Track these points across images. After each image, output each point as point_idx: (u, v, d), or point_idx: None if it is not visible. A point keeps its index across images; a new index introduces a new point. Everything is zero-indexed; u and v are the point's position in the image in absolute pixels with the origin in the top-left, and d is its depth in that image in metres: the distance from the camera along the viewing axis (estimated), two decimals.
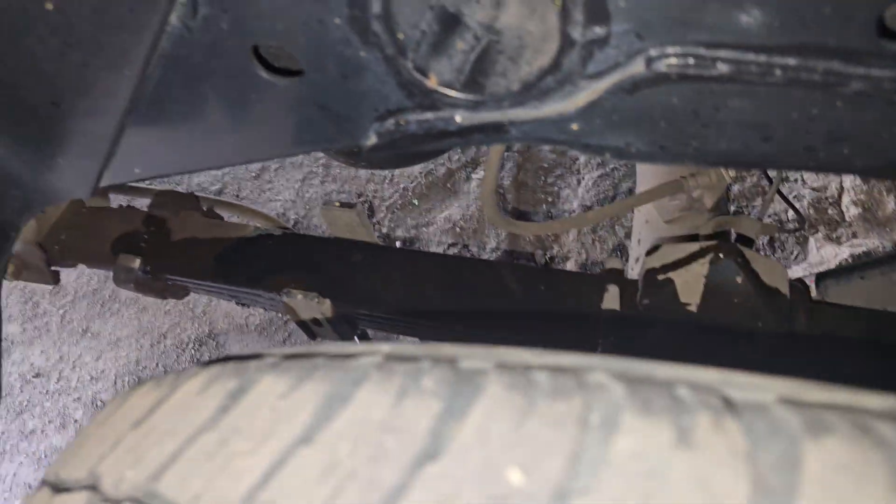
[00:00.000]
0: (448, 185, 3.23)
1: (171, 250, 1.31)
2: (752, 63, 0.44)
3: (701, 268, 0.88)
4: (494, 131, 0.60)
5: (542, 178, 3.19)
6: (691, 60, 0.46)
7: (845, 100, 0.45)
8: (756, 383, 0.34)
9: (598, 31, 0.47)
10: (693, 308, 0.86)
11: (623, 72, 0.49)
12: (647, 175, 1.61)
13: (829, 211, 2.92)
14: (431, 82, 0.56)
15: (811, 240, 2.84)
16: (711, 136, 0.51)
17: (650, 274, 0.93)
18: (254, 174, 3.56)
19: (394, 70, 0.56)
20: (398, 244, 3.09)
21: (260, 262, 1.26)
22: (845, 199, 2.91)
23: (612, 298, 0.98)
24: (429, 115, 0.61)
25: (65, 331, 2.91)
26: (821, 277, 1.17)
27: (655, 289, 0.90)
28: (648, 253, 0.95)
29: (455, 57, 0.56)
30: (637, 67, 0.48)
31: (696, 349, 0.85)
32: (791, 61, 0.43)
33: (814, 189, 2.97)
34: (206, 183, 3.58)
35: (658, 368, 0.35)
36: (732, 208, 2.92)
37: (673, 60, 0.47)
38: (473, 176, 3.24)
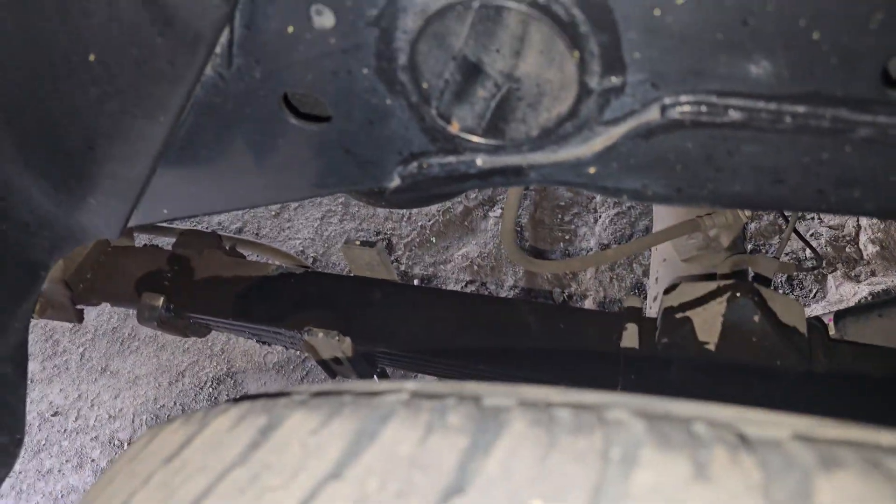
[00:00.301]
0: (465, 223, 3.26)
1: (194, 289, 1.33)
2: (763, 110, 0.46)
3: (719, 306, 0.89)
4: (514, 174, 0.62)
5: (559, 216, 3.21)
6: (704, 108, 0.48)
7: (853, 146, 0.46)
8: (771, 420, 0.35)
9: (615, 80, 0.49)
10: (711, 347, 0.87)
11: (639, 118, 0.51)
12: (664, 214, 1.63)
13: (847, 249, 2.91)
14: (454, 128, 0.58)
15: (830, 278, 2.83)
16: (725, 179, 0.52)
17: (668, 312, 0.93)
18: (273, 213, 3.61)
19: (418, 116, 0.59)
20: (416, 282, 3.10)
21: (281, 300, 1.28)
22: (863, 238, 2.90)
23: (631, 337, 0.99)
24: (451, 159, 0.63)
25: (84, 369, 2.94)
26: (839, 316, 1.18)
27: (674, 327, 0.91)
28: (666, 292, 0.96)
29: (477, 104, 0.58)
30: (652, 115, 0.50)
31: (715, 388, 0.86)
32: (800, 109, 0.45)
33: (831, 227, 2.97)
34: (227, 222, 3.64)
35: (676, 406, 0.36)
36: (749, 247, 2.92)
37: (687, 108, 0.49)
38: (490, 214, 3.27)
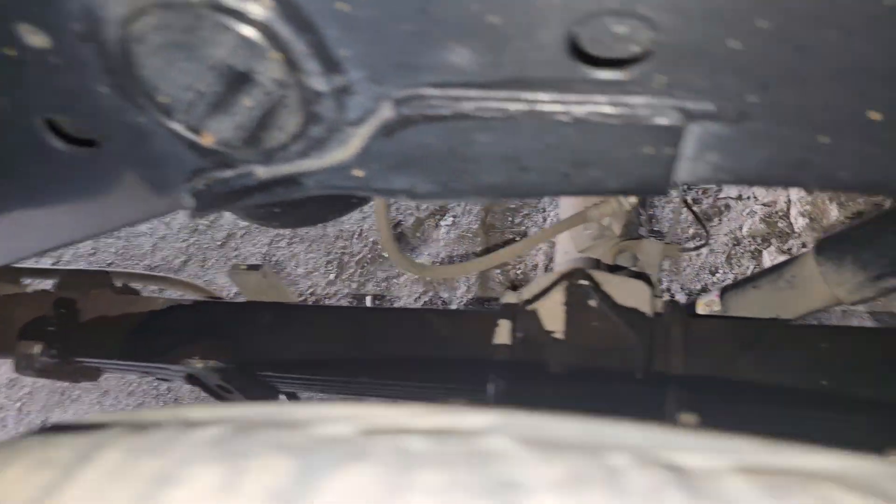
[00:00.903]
0: (417, 234, 3.25)
1: (79, 332, 1.29)
2: (476, 99, 0.45)
3: (558, 296, 0.89)
4: (292, 183, 0.60)
5: (510, 218, 3.22)
6: (425, 101, 0.46)
7: (571, 127, 0.45)
8: (342, 414, 0.33)
9: (338, 80, 0.48)
10: (560, 335, 0.87)
11: (377, 117, 0.49)
12: (566, 207, 1.63)
13: (780, 224, 2.95)
14: (206, 140, 0.55)
15: (765, 253, 2.87)
16: (476, 170, 0.51)
17: (523, 306, 0.93)
18: (219, 242, 3.57)
19: (175, 132, 0.56)
20: (369, 298, 3.09)
21: (168, 334, 1.25)
22: (793, 212, 2.95)
23: (503, 334, 0.98)
24: (229, 173, 0.61)
25: (22, 424, 2.85)
26: (723, 291, 1.18)
27: (525, 321, 0.91)
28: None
29: (238, 114, 0.56)
30: (386, 112, 0.49)
31: (568, 376, 0.85)
32: (509, 94, 0.44)
33: (765, 205, 3.02)
34: (171, 256, 3.59)
35: (294, 410, 0.35)
36: (692, 230, 2.95)
37: (411, 102, 0.47)
38: (442, 223, 3.26)
